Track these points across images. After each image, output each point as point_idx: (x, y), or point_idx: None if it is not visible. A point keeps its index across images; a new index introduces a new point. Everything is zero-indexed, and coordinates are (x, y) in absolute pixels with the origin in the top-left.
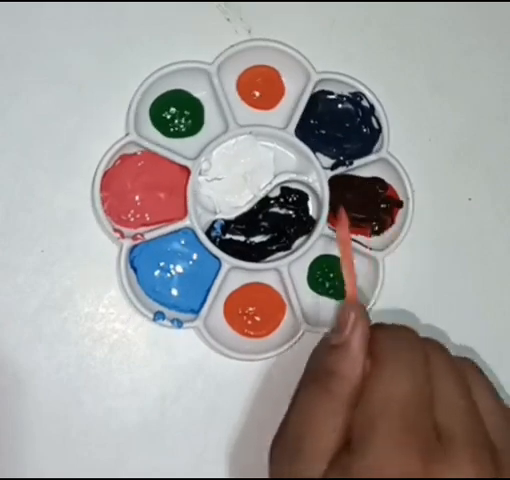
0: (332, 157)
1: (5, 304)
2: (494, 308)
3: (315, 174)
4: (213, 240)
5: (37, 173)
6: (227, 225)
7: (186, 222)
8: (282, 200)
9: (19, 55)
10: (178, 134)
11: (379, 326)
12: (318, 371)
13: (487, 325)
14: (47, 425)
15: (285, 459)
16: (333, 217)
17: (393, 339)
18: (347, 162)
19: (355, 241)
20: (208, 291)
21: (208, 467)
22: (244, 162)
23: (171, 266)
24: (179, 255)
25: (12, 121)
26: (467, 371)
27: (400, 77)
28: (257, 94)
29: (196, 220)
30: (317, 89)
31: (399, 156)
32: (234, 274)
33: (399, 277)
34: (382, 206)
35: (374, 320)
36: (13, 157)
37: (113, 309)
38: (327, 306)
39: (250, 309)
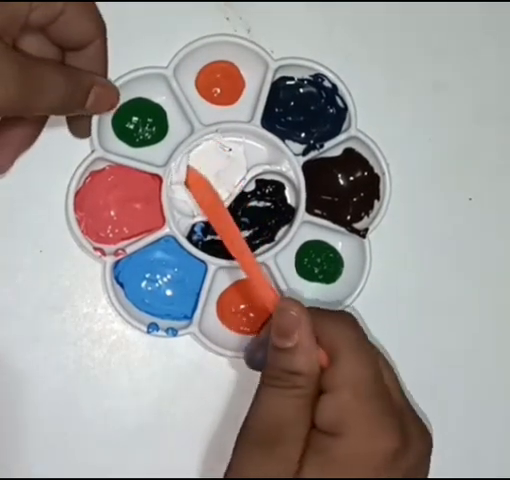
0: (302, 142)
1: (4, 304)
2: (494, 308)
3: (287, 162)
4: (195, 244)
5: (35, 172)
6: (207, 227)
7: (166, 230)
8: (259, 193)
9: None
10: (144, 143)
11: (322, 316)
12: (278, 373)
13: (487, 324)
14: (46, 426)
15: (257, 449)
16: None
17: (347, 331)
18: (318, 145)
19: (338, 223)
20: (198, 295)
21: (207, 467)
22: (215, 161)
23: (157, 276)
24: (164, 264)
25: None
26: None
27: (400, 77)
28: (218, 91)
29: (175, 226)
30: (277, 77)
31: (399, 156)
32: (222, 274)
33: (398, 278)
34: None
35: (369, 310)
36: None
37: (111, 310)
38: (319, 292)
39: (242, 306)
